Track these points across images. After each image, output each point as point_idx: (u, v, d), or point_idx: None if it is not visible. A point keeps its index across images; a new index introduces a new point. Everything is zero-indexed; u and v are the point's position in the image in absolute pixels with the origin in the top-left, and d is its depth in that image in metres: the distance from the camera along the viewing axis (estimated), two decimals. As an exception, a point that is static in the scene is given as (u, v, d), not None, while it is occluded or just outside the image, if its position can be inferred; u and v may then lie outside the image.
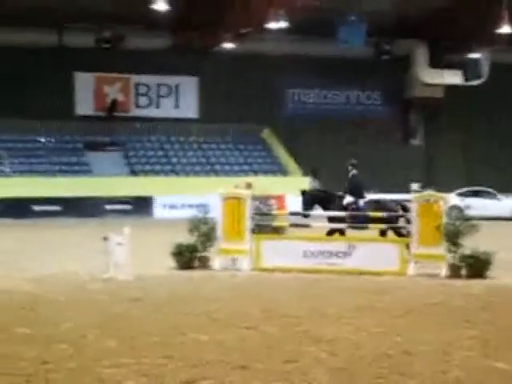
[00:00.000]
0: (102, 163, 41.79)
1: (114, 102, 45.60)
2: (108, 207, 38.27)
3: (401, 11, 41.57)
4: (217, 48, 43.68)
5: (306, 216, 19.57)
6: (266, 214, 18.33)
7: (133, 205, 39.04)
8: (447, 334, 10.30)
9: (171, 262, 17.37)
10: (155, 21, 39.72)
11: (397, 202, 20.41)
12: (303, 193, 19.67)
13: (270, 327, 10.71)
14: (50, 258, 19.36)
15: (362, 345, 9.61)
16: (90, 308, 12.24)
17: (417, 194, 17.74)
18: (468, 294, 14.16)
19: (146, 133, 45.29)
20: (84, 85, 45.17)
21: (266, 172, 43.17)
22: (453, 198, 33.03)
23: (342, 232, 18.97)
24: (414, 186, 44.10)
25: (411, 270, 16.65)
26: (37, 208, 37.38)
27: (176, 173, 42.96)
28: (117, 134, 44.49)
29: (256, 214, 17.79)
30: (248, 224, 17.48)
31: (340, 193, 19.75)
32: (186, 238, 17.46)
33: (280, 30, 39.25)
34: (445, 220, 16.62)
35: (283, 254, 17.24)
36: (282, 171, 43.91)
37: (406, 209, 18.47)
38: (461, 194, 36.65)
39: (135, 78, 46.45)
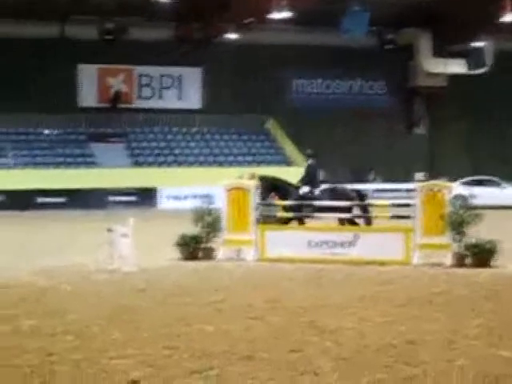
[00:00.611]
0: (106, 155, 41.82)
1: (118, 94, 45.60)
2: (112, 199, 38.30)
3: (404, 0, 41.48)
4: (220, 39, 43.64)
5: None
6: (270, 205, 18.33)
7: (137, 196, 39.09)
8: (452, 323, 10.28)
9: (176, 253, 17.37)
10: (158, 12, 39.73)
11: (354, 189, 20.43)
12: (261, 179, 19.22)
13: (274, 317, 10.70)
14: (54, 250, 19.37)
15: (367, 334, 9.60)
16: (94, 299, 12.24)
17: (421, 183, 17.73)
18: (473, 282, 14.13)
19: (150, 124, 45.29)
20: (87, 76, 45.19)
21: (269, 162, 43.15)
22: (457, 187, 32.96)
23: (301, 221, 19.05)
24: (419, 175, 44.19)
25: (416, 259, 16.63)
26: (41, 200, 37.43)
27: (179, 164, 42.96)
28: (120, 125, 44.49)
29: (259, 204, 17.81)
30: (252, 214, 17.48)
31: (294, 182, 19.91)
32: (191, 229, 17.44)
33: (283, 20, 39.22)
34: (449, 209, 16.60)
35: (288, 244, 17.23)
36: (286, 162, 43.87)
37: (362, 197, 18.51)
38: (465, 183, 36.57)
39: (138, 70, 46.43)
